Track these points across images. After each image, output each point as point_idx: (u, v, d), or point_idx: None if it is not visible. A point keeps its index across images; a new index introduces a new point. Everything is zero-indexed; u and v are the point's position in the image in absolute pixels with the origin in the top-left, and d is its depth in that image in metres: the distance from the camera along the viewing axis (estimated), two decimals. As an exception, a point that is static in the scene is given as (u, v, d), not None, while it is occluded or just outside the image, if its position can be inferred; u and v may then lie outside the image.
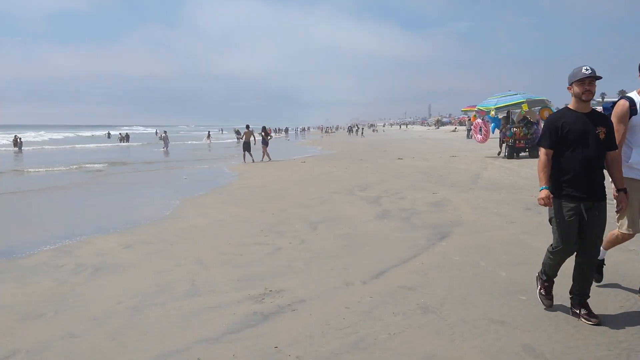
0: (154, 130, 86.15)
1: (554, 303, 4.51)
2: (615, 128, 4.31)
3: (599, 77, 4.09)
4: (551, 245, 4.31)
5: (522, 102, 19.37)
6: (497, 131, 21.61)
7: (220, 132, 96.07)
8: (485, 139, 21.73)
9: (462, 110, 45.16)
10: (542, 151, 4.26)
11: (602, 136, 4.09)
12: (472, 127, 40.03)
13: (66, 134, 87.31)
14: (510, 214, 8.83)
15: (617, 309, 4.46)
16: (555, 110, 19.83)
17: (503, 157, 20.30)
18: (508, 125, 20.07)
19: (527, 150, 19.88)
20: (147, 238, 8.15)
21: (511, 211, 9.10)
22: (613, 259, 5.50)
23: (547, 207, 4.24)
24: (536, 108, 20.34)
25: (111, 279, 6.05)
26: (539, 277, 4.56)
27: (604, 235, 4.38)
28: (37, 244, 7.98)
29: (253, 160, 24.96)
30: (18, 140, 44.35)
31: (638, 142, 4.50)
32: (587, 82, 4.08)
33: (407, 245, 7.03)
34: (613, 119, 4.45)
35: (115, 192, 15.32)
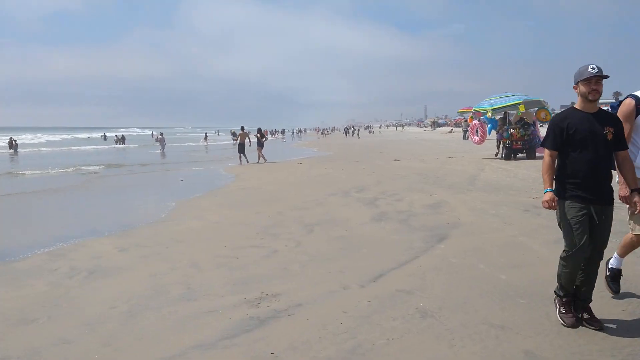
0: (151, 132, 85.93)
1: (554, 306, 4.44)
2: None
3: (606, 76, 3.98)
4: (564, 251, 4.11)
5: (519, 103, 19.32)
6: (493, 132, 21.58)
7: (217, 133, 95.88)
8: (482, 140, 21.73)
9: (458, 112, 45.22)
10: (546, 152, 4.17)
11: (610, 137, 3.97)
12: (468, 128, 40.11)
13: (63, 136, 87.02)
14: (508, 216, 8.77)
15: (620, 313, 4.40)
16: (551, 111, 19.76)
17: (500, 159, 20.27)
18: (505, 127, 20.02)
19: (524, 151, 19.84)
20: (143, 241, 8.07)
21: (509, 213, 9.05)
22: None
23: (555, 212, 4.14)
24: (533, 109, 20.28)
25: (106, 283, 5.97)
26: (555, 296, 4.31)
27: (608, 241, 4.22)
28: (32, 247, 7.89)
29: (247, 161, 24.88)
30: (13, 142, 44.15)
31: None
32: (593, 81, 3.97)
33: (405, 247, 6.96)
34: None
35: (111, 195, 15.22)
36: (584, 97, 4.04)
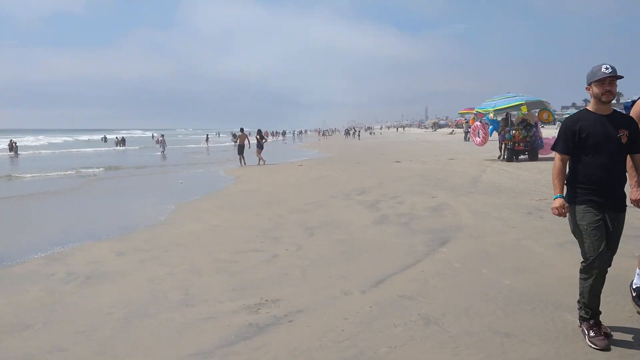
0: (151, 134, 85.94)
1: (561, 313, 4.34)
2: None
3: (620, 77, 3.82)
4: (582, 262, 3.87)
5: (521, 104, 19.15)
6: (495, 134, 21.45)
7: (217, 135, 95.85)
8: (484, 141, 21.53)
9: (459, 113, 45.11)
10: (557, 156, 4.00)
11: (624, 140, 3.81)
12: (469, 129, 40.00)
13: (65, 138, 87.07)
14: (511, 219, 8.67)
15: (626, 320, 4.29)
16: (553, 112, 19.61)
17: (502, 160, 20.14)
18: (507, 128, 19.88)
19: (526, 153, 19.70)
20: (141, 245, 7.97)
21: (512, 215, 8.95)
22: (620, 267, 5.30)
23: (568, 218, 3.97)
24: (535, 110, 20.15)
25: (102, 288, 5.87)
26: (581, 319, 3.98)
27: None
28: (28, 251, 7.80)
29: (245, 163, 24.77)
30: (14, 144, 44.11)
31: None
32: (607, 82, 3.78)
33: (407, 251, 6.86)
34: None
35: (110, 197, 15.14)
36: (597, 98, 3.86)
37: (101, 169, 24.99)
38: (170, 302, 5.28)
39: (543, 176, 14.35)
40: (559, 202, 3.91)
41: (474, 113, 22.34)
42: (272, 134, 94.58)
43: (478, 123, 21.55)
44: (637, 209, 4.25)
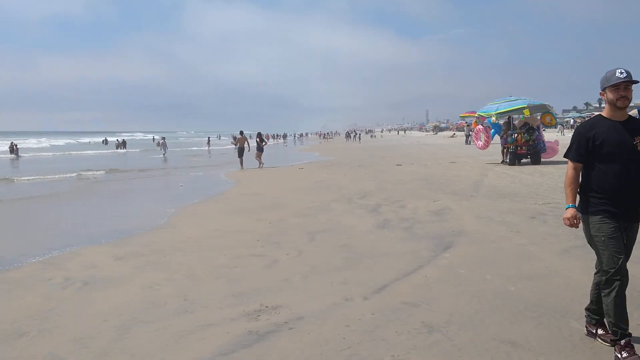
0: (152, 137, 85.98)
1: (568, 321, 4.23)
2: None
3: (636, 81, 3.67)
4: (602, 277, 3.69)
5: (524, 108, 19.03)
6: (497, 138, 21.32)
7: (218, 138, 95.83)
8: (486, 145, 21.35)
9: (460, 116, 44.99)
10: (569, 165, 3.86)
11: None
12: (470, 132, 39.89)
13: (67, 141, 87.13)
14: (514, 223, 8.56)
15: (634, 327, 4.16)
16: (556, 115, 19.44)
17: (503, 163, 20.00)
18: (509, 132, 19.75)
19: (529, 156, 19.57)
20: (140, 249, 7.87)
21: (515, 220, 8.83)
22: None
23: (583, 230, 3.83)
24: (537, 113, 20.02)
25: (100, 295, 5.77)
26: (612, 342, 3.73)
27: None
28: (26, 255, 7.71)
29: (242, 167, 24.68)
30: (14, 147, 44.07)
31: None
32: (622, 87, 3.61)
33: (409, 257, 6.76)
34: None
35: (110, 201, 15.05)
36: (611, 104, 3.70)
37: (101, 171, 24.89)
38: (168, 308, 5.17)
39: (545, 180, 14.25)
40: (571, 212, 3.78)
41: (476, 116, 22.19)
42: (273, 137, 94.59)
43: (480, 126, 21.41)
44: None
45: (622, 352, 3.58)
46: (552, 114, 20.25)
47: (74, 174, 23.34)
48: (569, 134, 47.83)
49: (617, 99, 3.64)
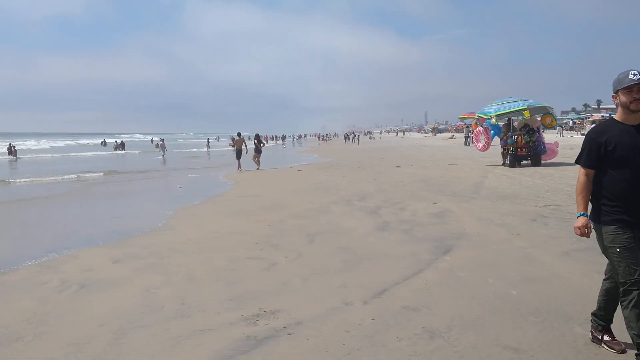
0: (150, 139, 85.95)
1: (571, 326, 4.16)
2: None
3: None
4: (620, 288, 3.53)
5: (524, 109, 18.95)
6: (496, 139, 21.22)
7: (217, 139, 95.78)
8: (486, 147, 21.17)
9: (459, 118, 44.95)
10: (580, 171, 3.70)
11: None
12: (469, 134, 39.84)
13: (67, 142, 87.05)
14: (515, 226, 8.49)
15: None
16: (557, 117, 19.32)
17: (504, 165, 19.92)
18: (509, 133, 19.67)
19: (529, 158, 19.48)
20: (138, 251, 7.79)
21: (516, 222, 8.76)
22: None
23: (597, 239, 3.68)
24: (537, 115, 19.94)
25: (96, 298, 5.69)
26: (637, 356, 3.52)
27: None
28: (22, 258, 7.64)
29: (238, 169, 24.60)
30: (12, 148, 43.98)
31: None
32: (635, 90, 3.45)
33: (409, 259, 6.69)
34: None
35: (108, 202, 14.98)
36: (624, 107, 3.54)
37: (99, 173, 24.78)
38: (165, 312, 5.10)
39: (546, 182, 14.19)
40: (582, 221, 3.63)
41: (476, 118, 22.10)
42: (272, 139, 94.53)
43: (480, 128, 21.29)
44: None
45: None
46: (552, 115, 20.16)
47: (72, 176, 23.26)
48: (567, 136, 47.82)
49: (630, 102, 3.50)
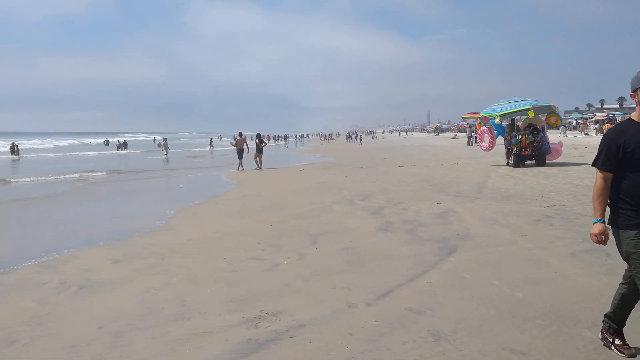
0: (153, 138, 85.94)
1: (580, 329, 4.06)
2: None
3: None
4: (622, 284, 3.55)
5: (528, 109, 18.76)
6: (500, 138, 21.07)
7: (219, 139, 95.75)
8: (491, 146, 21.00)
9: (462, 117, 44.78)
10: (598, 174, 3.53)
11: None
12: (472, 134, 39.72)
13: (71, 141, 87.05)
14: (520, 226, 8.38)
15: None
16: (562, 117, 19.16)
17: (508, 165, 19.76)
18: (513, 133, 19.52)
19: (533, 158, 19.31)
20: (138, 252, 7.71)
21: (521, 223, 8.65)
22: None
23: (616, 243, 3.55)
24: (542, 114, 19.77)
25: (96, 299, 5.61)
26: None
27: None
28: (22, 258, 7.55)
29: (238, 169, 24.52)
30: (15, 147, 43.98)
31: None
32: None
33: (413, 260, 6.59)
34: None
35: (109, 202, 14.90)
36: None
37: (102, 173, 24.73)
38: (165, 314, 5.01)
39: (550, 182, 14.07)
40: (598, 227, 3.47)
41: (480, 117, 21.94)
42: (275, 138, 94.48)
43: (485, 128, 21.14)
44: None
45: None
46: (557, 114, 20.00)
47: (74, 175, 23.19)
48: (571, 135, 47.64)
49: None
